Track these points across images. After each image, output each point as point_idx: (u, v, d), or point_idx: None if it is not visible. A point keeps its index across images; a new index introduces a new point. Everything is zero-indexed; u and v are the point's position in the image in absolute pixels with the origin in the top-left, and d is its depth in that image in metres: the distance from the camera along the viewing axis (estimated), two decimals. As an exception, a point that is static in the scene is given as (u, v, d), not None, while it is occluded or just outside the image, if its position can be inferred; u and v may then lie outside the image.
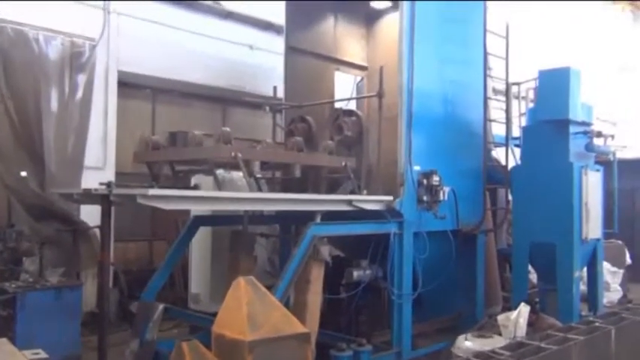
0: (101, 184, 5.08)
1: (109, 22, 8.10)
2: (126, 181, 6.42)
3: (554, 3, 20.13)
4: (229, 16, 9.54)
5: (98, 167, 7.85)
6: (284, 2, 8.27)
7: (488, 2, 8.03)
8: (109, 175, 7.70)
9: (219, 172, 6.15)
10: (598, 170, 8.01)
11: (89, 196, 5.17)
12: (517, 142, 8.47)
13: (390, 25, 8.51)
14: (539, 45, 18.00)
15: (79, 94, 7.72)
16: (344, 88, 8.98)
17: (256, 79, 9.76)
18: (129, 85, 8.42)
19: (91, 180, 6.76)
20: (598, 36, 22.85)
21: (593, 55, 21.66)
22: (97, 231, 6.71)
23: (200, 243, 7.65)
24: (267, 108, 8.00)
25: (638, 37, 23.22)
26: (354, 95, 8.90)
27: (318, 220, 5.67)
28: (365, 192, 6.40)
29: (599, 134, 7.95)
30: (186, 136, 5.58)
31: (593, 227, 7.68)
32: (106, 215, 4.98)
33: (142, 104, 8.83)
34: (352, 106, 8.40)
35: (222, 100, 9.50)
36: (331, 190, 6.45)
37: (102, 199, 4.91)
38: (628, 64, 23.17)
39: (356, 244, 6.70)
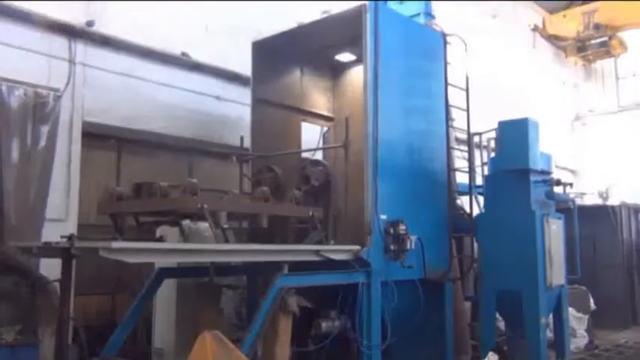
0: (62, 236, 4.96)
1: (74, 73, 8.09)
2: (89, 233, 6.27)
3: (513, 57, 20.97)
4: (197, 67, 9.63)
5: (60, 219, 7.66)
6: (251, 54, 8.42)
7: (449, 57, 8.33)
8: (71, 227, 7.51)
9: (186, 222, 6.08)
10: (559, 218, 8.22)
11: (50, 250, 5.03)
12: (480, 190, 8.65)
13: (355, 77, 8.75)
14: (498, 96, 18.64)
15: (42, 144, 7.59)
16: (311, 137, 9.10)
17: (223, 130, 9.79)
18: (93, 135, 8.34)
19: (52, 232, 6.58)
20: (554, 87, 23.87)
21: (550, 106, 22.55)
22: (57, 285, 6.48)
23: (164, 295, 7.46)
24: (234, 158, 8.01)
25: (590, 90, 24.30)
26: (321, 145, 9.01)
27: (286, 270, 5.62)
28: (332, 242, 6.40)
29: (558, 182, 8.19)
30: (151, 186, 5.53)
31: (556, 274, 7.80)
32: (66, 269, 4.84)
33: (106, 154, 8.73)
34: (319, 156, 8.49)
35: (189, 150, 9.46)
36: (299, 240, 6.43)
37: (63, 252, 4.78)
38: (581, 115, 24.18)
39: (324, 294, 6.65)
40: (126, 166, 8.79)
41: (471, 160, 8.80)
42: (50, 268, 6.72)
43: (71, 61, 8.08)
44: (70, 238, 4.74)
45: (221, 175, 9.17)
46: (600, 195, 17.75)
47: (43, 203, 7.52)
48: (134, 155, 8.93)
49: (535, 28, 21.35)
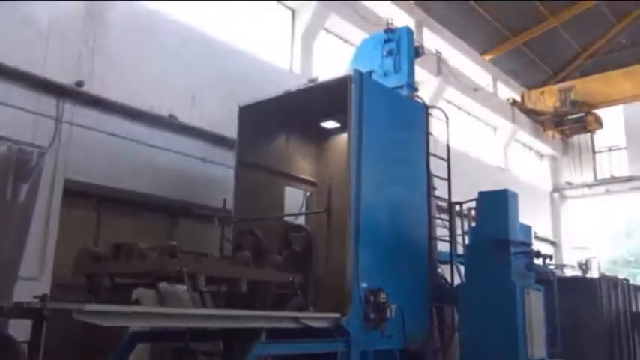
0: (35, 296, 4.81)
1: (60, 132, 8.10)
2: (63, 293, 6.09)
3: (496, 130, 21.50)
4: (183, 130, 9.72)
5: (33, 277, 7.46)
6: (237, 119, 8.54)
7: (431, 129, 8.53)
8: (45, 287, 7.30)
9: (163, 285, 5.95)
10: (539, 289, 8.19)
11: (21, 310, 4.86)
12: (462, 259, 8.64)
13: (339, 145, 8.87)
14: (477, 167, 18.99)
15: (21, 200, 7.50)
16: (294, 201, 9.12)
17: (206, 191, 9.78)
18: (75, 194, 8.27)
19: (25, 291, 6.39)
20: (533, 160, 24.40)
21: (530, 178, 22.99)
22: (26, 346, 6.23)
23: (137, 361, 7.19)
24: (216, 220, 7.95)
25: (568, 163, 24.84)
26: (303, 210, 9.01)
27: (263, 337, 5.48)
28: (312, 308, 6.28)
29: (538, 254, 8.23)
30: (130, 248, 5.44)
31: (537, 346, 7.70)
32: (37, 330, 4.66)
33: (86, 213, 8.63)
34: (301, 221, 8.48)
35: (171, 211, 9.40)
36: (279, 306, 6.31)
37: (35, 313, 4.62)
38: (560, 187, 24.61)
39: (302, 362, 6.47)
40: (106, 226, 8.67)
41: (452, 229, 8.83)
42: (19, 328, 6.48)
43: (58, 120, 8.12)
44: (42, 298, 4.60)
45: (202, 237, 9.08)
46: (580, 266, 17.80)
47: (18, 260, 7.33)
48: (115, 215, 8.84)
49: (514, 103, 22.02)
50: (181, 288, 6.10)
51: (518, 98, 22.72)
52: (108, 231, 8.58)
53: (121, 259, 5.46)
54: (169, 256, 5.16)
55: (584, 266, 17.30)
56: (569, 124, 22.74)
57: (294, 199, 9.19)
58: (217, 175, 9.79)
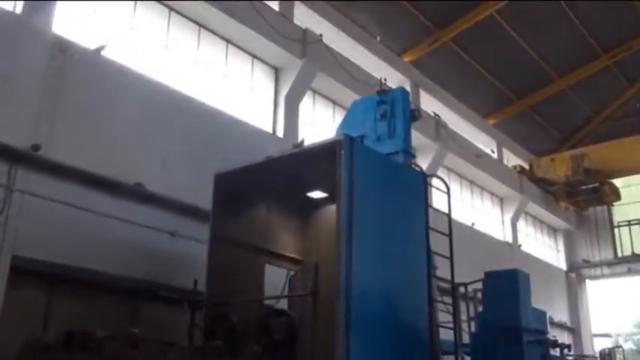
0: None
1: (10, 201, 8.05)
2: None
3: (503, 201, 21.76)
4: (151, 199, 9.71)
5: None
6: (212, 188, 8.57)
7: (430, 200, 8.60)
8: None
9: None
10: (557, 385, 8.06)
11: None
12: (468, 350, 8.50)
13: (328, 218, 8.85)
14: (483, 244, 19.06)
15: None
16: (275, 282, 9.01)
17: (175, 270, 9.66)
18: (23, 272, 8.10)
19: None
20: (546, 236, 24.53)
21: (543, 255, 23.06)
22: None
23: None
24: (186, 304, 7.83)
25: (584, 239, 24.95)
26: (286, 292, 8.89)
27: None
28: (295, 409, 6.10)
29: (555, 344, 8.14)
30: (85, 336, 5.32)
31: None
32: None
33: (36, 295, 8.43)
34: (283, 304, 8.35)
35: (134, 293, 9.23)
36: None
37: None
38: (576, 266, 24.62)
39: None
40: (58, 310, 8.46)
41: (456, 314, 8.74)
42: None
43: (8, 188, 8.08)
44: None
45: (169, 323, 8.88)
46: (603, 358, 17.57)
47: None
48: (69, 297, 8.64)
49: (522, 171, 22.34)
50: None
51: (526, 166, 23.11)
52: (60, 316, 8.37)
53: (75, 349, 5.32)
54: (130, 347, 5.04)
55: (608, 357, 17.09)
56: (584, 194, 23.04)
57: (275, 279, 9.08)
58: (188, 252, 9.70)
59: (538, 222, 24.18)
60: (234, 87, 12.80)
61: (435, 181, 9.37)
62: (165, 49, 11.51)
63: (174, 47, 11.69)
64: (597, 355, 18.31)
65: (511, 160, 23.08)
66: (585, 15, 19.27)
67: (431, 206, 8.54)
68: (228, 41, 12.80)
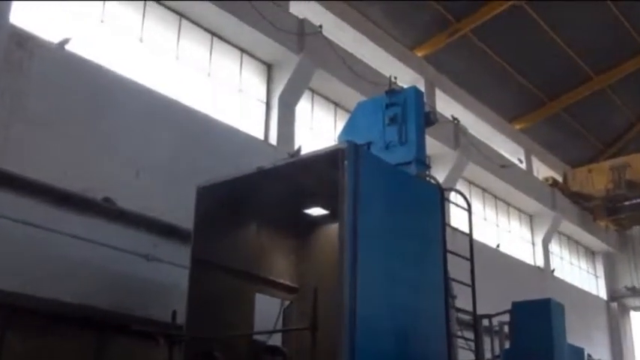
0: None
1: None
2: None
3: (533, 219, 21.75)
4: (122, 217, 9.68)
5: None
6: (194, 203, 8.54)
7: (448, 218, 8.58)
8: None
9: None
10: None
11: None
12: (492, 394, 8.45)
13: (328, 237, 8.85)
14: (510, 268, 19.03)
15: None
16: (267, 313, 8.98)
17: (150, 300, 9.63)
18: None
19: None
20: (583, 259, 24.48)
21: (580, 282, 23.00)
22: None
23: None
24: (162, 339, 7.79)
25: (627, 263, 24.93)
26: (280, 325, 8.85)
27: None
28: None
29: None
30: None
31: None
32: None
33: (-13, 329, 8.42)
34: (277, 340, 8.31)
35: (102, 325, 9.18)
36: None
37: None
38: (618, 294, 24.56)
39: None
40: (14, 346, 8.44)
41: (478, 352, 8.70)
42: None
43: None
44: None
45: (143, 361, 8.86)
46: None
47: None
48: (26, 331, 8.62)
49: (554, 184, 22.32)
50: None
51: (559, 178, 23.10)
52: (16, 352, 8.34)
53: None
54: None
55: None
56: (626, 211, 23.02)
57: (267, 310, 9.05)
58: (166, 278, 9.67)
59: (573, 243, 24.15)
60: (220, 86, 12.82)
61: (453, 196, 9.34)
62: (140, 43, 11.54)
63: (151, 41, 11.72)
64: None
65: (542, 171, 23.10)
66: (629, 4, 19.28)
67: (449, 225, 8.52)
68: (213, 34, 12.83)
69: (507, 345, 8.79)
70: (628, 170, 22.12)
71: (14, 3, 9.30)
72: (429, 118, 9.40)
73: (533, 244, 21.60)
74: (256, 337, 8.16)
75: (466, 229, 8.67)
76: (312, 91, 14.82)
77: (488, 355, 9.23)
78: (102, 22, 11.02)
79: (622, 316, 24.28)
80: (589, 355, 10.50)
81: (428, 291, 7.91)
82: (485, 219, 19.54)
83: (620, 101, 23.14)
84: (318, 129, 14.86)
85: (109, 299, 9.28)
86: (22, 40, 9.33)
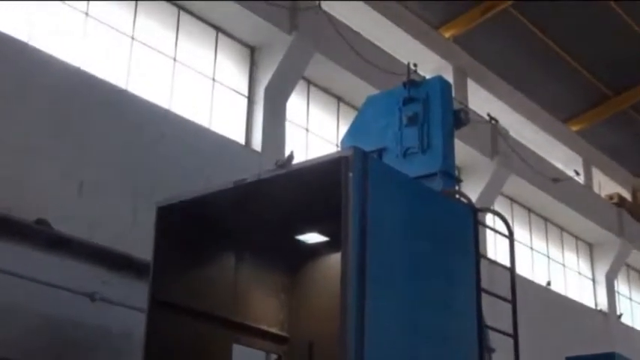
0: None
1: None
2: None
3: (593, 248, 21.78)
4: (59, 244, 9.65)
5: None
6: (154, 229, 8.52)
7: (483, 247, 8.55)
8: None
9: None
10: None
11: None
12: None
13: (328, 271, 8.83)
14: (563, 311, 19.03)
15: None
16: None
17: (97, 352, 9.63)
18: None
19: None
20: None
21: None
22: None
23: None
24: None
25: None
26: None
27: None
28: None
29: None
30: None
31: None
32: None
33: None
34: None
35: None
36: None
37: None
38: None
39: None
40: None
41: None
42: None
43: None
44: None
45: None
46: None
47: None
48: None
49: (620, 203, 22.31)
50: None
51: (628, 196, 23.11)
52: None
53: None
54: None
55: None
56: None
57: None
58: (116, 324, 9.64)
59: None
60: (189, 75, 12.82)
61: (490, 219, 9.32)
62: (85, 21, 11.53)
63: (96, 20, 11.70)
64: None
65: (605, 185, 23.11)
66: None
67: (484, 256, 8.52)
68: (180, 8, 12.85)
69: (561, 413, 8.76)
70: None
71: None
72: (459, 118, 9.38)
73: (594, 280, 21.59)
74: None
75: (507, 262, 8.64)
76: (308, 81, 14.84)
77: None
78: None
79: None
80: None
81: (457, 344, 7.89)
82: (531, 248, 19.52)
83: None
84: (315, 130, 14.87)
85: (44, 352, 9.26)
86: None
